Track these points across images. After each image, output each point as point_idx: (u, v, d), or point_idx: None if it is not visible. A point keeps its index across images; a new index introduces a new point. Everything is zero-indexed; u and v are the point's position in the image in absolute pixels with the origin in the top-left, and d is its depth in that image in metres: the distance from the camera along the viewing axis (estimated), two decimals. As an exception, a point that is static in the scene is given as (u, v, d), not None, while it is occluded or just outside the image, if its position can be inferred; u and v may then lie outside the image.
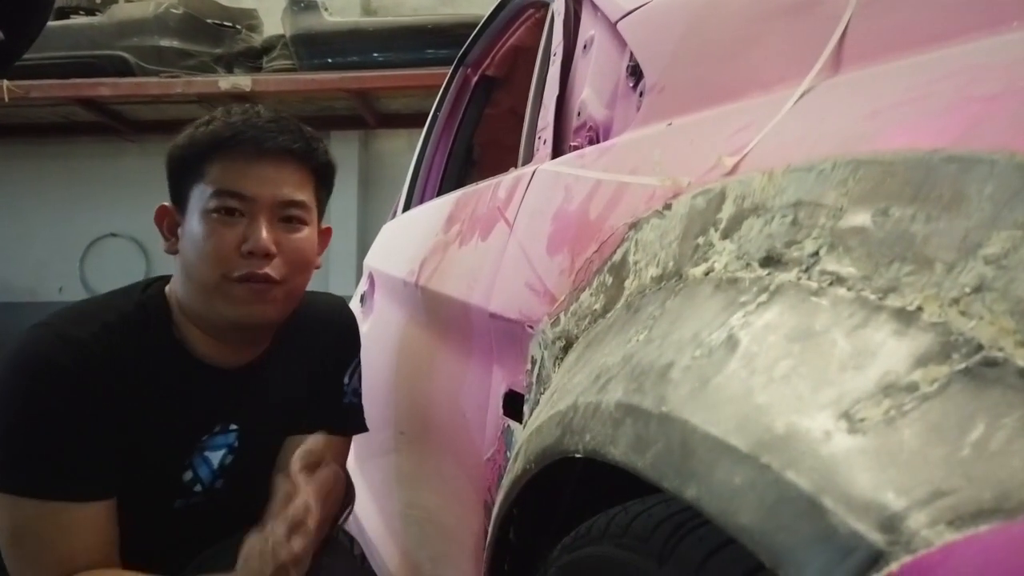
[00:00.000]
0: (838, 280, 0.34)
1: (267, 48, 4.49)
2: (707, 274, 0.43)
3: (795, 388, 0.31)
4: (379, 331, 1.48)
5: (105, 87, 4.18)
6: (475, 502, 0.87)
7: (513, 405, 0.77)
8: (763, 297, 0.37)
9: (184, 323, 0.96)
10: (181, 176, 0.95)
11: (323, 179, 1.00)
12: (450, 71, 2.01)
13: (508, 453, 0.76)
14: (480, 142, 2.08)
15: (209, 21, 4.33)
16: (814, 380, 0.30)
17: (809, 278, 0.35)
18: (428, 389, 1.13)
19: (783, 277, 0.37)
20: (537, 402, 0.68)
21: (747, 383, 0.33)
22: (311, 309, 1.06)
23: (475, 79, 1.89)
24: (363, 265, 1.99)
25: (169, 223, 0.98)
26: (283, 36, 4.40)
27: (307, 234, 0.97)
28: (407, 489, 1.30)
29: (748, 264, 0.40)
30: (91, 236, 5.05)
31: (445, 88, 1.92)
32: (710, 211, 0.46)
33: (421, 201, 1.84)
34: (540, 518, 0.63)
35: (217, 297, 0.92)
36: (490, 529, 0.64)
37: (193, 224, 0.92)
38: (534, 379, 0.69)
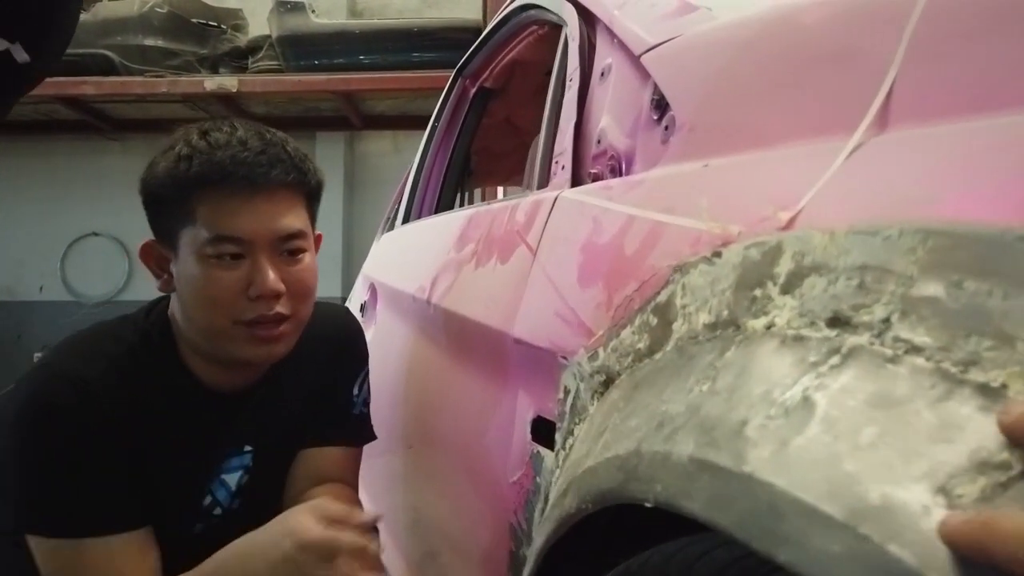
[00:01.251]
0: (914, 349, 0.35)
1: (252, 48, 4.47)
2: (768, 328, 0.44)
3: (884, 457, 0.32)
4: (383, 343, 1.49)
5: (89, 86, 4.14)
6: (496, 522, 0.88)
7: (541, 431, 0.78)
8: (835, 359, 0.38)
9: (188, 351, 0.96)
10: (166, 214, 0.92)
11: (315, 198, 0.99)
12: (448, 81, 2.02)
13: (537, 479, 0.77)
14: (474, 150, 2.10)
15: (194, 20, 4.30)
16: (903, 451, 0.32)
17: (882, 344, 0.37)
18: (441, 405, 1.14)
19: (854, 340, 0.38)
20: (571, 432, 0.70)
21: (832, 448, 0.34)
22: (315, 321, 1.05)
23: (473, 90, 1.90)
24: (361, 274, 1.99)
25: (158, 260, 0.95)
26: (268, 36, 4.38)
27: (308, 261, 0.95)
28: (414, 502, 1.31)
29: (813, 323, 0.41)
30: (72, 235, 5.00)
31: (444, 99, 1.93)
32: (765, 264, 0.47)
33: (421, 211, 1.85)
34: (566, 545, 0.64)
35: (227, 341, 0.91)
36: (530, 559, 0.65)
37: (190, 267, 0.89)
38: (567, 408, 0.71)
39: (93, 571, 0.85)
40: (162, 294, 0.98)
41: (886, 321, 0.37)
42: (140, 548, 0.89)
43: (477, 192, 2.82)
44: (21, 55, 0.84)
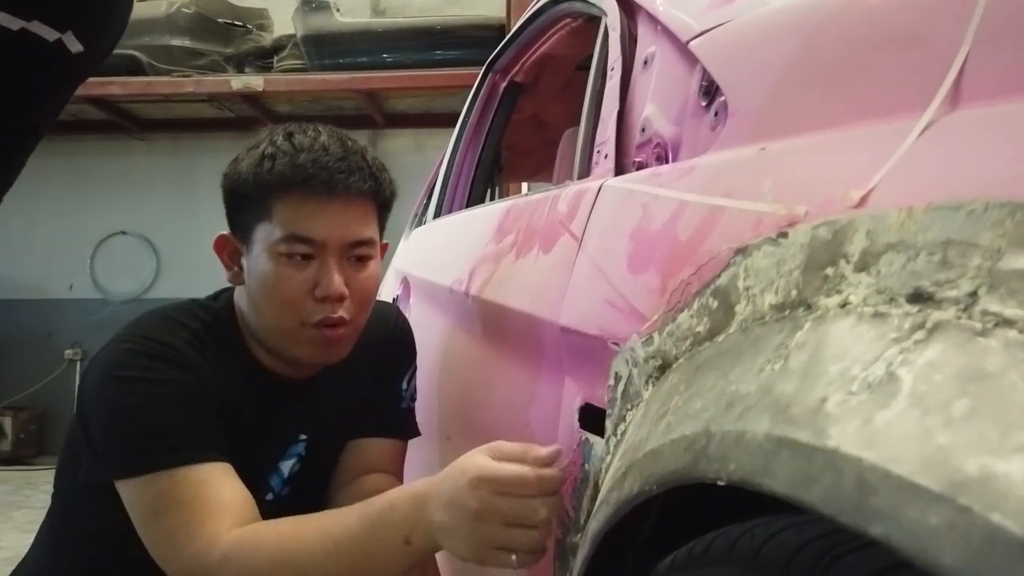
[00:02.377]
0: (1005, 322, 0.35)
1: (277, 48, 4.51)
2: (843, 306, 0.44)
3: (980, 430, 0.32)
4: (419, 336, 1.49)
5: (116, 86, 4.18)
6: (541, 512, 0.88)
7: (589, 419, 0.78)
8: (919, 334, 0.38)
9: (251, 340, 0.98)
10: (243, 209, 0.95)
11: (387, 208, 1.01)
12: (472, 78, 2.02)
13: (586, 466, 0.77)
14: (503, 146, 2.10)
15: (220, 20, 4.34)
16: (999, 422, 0.32)
17: (970, 318, 0.36)
18: (480, 396, 1.14)
19: (939, 315, 0.38)
20: (623, 418, 0.70)
21: (923, 422, 0.34)
22: (370, 318, 1.08)
23: (503, 85, 1.90)
24: (392, 268, 2.00)
25: (230, 252, 0.98)
26: (292, 36, 4.42)
27: (373, 269, 0.98)
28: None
29: (892, 299, 0.41)
30: (101, 234, 5.06)
31: (474, 94, 1.93)
32: (837, 243, 0.47)
33: (452, 206, 1.85)
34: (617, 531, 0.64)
35: (289, 340, 0.94)
36: (584, 542, 0.65)
37: (261, 262, 0.93)
38: (618, 395, 0.71)
39: (188, 499, 0.84)
40: (224, 288, 1.02)
41: (973, 295, 0.37)
42: (231, 474, 0.88)
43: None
44: (75, 45, 0.84)
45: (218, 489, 0.86)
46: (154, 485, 0.85)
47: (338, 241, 0.92)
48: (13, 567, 1.07)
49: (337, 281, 0.91)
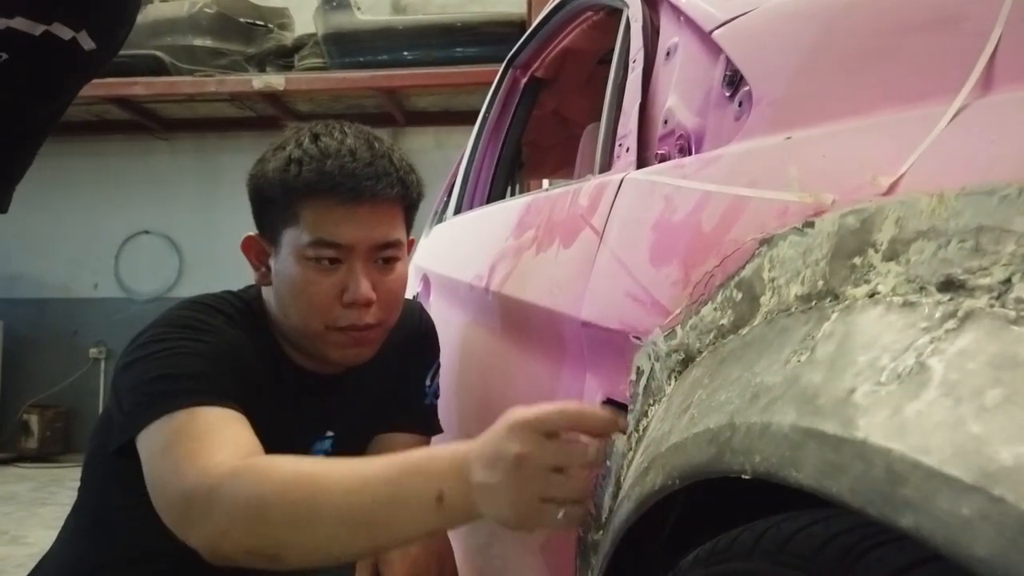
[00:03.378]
0: (1040, 309, 0.34)
1: (297, 47, 4.53)
2: (871, 296, 0.43)
3: (1014, 418, 0.31)
4: (439, 333, 1.49)
5: (139, 86, 4.22)
6: (562, 508, 0.88)
7: (611, 414, 0.77)
8: (951, 323, 0.37)
9: (279, 335, 0.99)
10: (270, 212, 0.95)
11: (415, 208, 1.01)
12: (492, 75, 2.01)
13: (607, 463, 0.76)
14: (523, 142, 2.09)
15: (241, 20, 4.37)
16: (1036, 411, 0.31)
17: (1003, 306, 0.36)
18: (503, 393, 1.13)
19: (971, 303, 0.37)
20: (644, 413, 0.69)
21: (955, 412, 0.33)
22: None
23: (524, 81, 1.89)
24: (412, 264, 2.00)
25: (257, 253, 0.98)
26: (313, 34, 4.43)
27: (400, 270, 0.98)
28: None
29: (922, 288, 0.40)
30: (125, 233, 5.11)
31: (494, 90, 1.93)
32: (865, 231, 0.46)
33: (472, 203, 1.85)
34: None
35: (317, 343, 0.95)
36: (606, 539, 0.65)
37: (288, 266, 0.93)
38: (640, 390, 0.70)
39: (201, 433, 0.80)
40: (251, 285, 1.02)
41: (1006, 282, 0.36)
42: (248, 426, 0.85)
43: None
44: (88, 43, 0.86)
45: (235, 430, 0.82)
46: (171, 422, 0.81)
47: (365, 245, 0.92)
48: (38, 562, 1.08)
49: (364, 286, 0.91)
